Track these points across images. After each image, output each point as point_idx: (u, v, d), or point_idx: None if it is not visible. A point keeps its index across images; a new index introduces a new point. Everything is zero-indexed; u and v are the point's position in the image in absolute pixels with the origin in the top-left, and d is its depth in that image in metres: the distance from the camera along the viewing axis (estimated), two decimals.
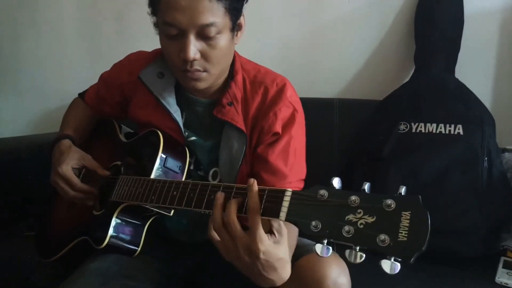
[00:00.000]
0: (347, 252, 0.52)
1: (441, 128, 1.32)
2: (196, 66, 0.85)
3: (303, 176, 0.96)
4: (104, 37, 1.86)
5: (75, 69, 1.90)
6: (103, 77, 1.14)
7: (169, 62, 0.91)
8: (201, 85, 0.89)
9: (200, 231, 0.99)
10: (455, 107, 1.35)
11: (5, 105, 2.00)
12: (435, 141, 1.30)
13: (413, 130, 1.34)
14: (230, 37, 0.88)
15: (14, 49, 1.95)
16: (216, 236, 0.66)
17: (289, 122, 0.93)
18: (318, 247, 0.54)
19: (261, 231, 0.62)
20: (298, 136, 0.95)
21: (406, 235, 0.47)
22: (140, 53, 1.09)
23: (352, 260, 0.51)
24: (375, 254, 0.49)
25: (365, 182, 0.54)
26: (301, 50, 1.70)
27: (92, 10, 1.85)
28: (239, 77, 0.96)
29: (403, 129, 1.36)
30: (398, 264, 0.48)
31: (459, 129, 1.31)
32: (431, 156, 1.29)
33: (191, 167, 0.97)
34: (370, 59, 1.65)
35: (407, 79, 1.57)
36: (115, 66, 1.12)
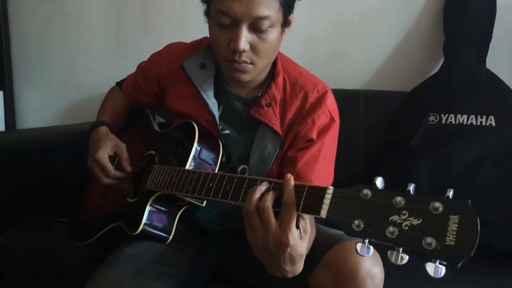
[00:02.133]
0: (389, 253, 0.52)
1: (472, 119, 1.30)
2: (244, 57, 0.86)
3: (329, 183, 0.96)
4: (129, 30, 1.88)
5: (101, 61, 1.93)
6: (141, 67, 1.15)
7: (216, 52, 0.92)
8: (246, 77, 0.90)
9: (229, 222, 1.01)
10: (486, 98, 1.33)
11: (34, 97, 2.05)
12: (466, 133, 1.29)
13: (443, 122, 1.33)
14: (280, 32, 0.88)
15: (42, 43, 1.99)
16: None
17: (324, 130, 0.94)
18: (359, 246, 0.55)
19: (293, 226, 0.63)
20: (330, 144, 0.95)
21: (454, 239, 0.47)
22: (180, 44, 1.09)
23: (394, 261, 0.52)
24: (420, 257, 0.50)
25: (410, 183, 0.54)
26: (326, 40, 1.68)
27: (118, 3, 1.86)
28: (280, 79, 0.97)
29: (433, 121, 1.34)
30: (443, 268, 0.48)
31: (491, 120, 1.29)
32: (462, 148, 1.28)
33: (223, 160, 0.98)
34: (396, 50, 1.63)
35: (435, 70, 1.54)
36: (153, 56, 1.13)
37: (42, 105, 2.05)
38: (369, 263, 0.76)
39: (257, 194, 0.66)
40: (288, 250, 0.64)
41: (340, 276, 0.77)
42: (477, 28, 1.42)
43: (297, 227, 0.65)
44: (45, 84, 2.03)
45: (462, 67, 1.40)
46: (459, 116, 1.32)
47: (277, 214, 0.65)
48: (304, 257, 0.68)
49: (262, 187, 0.67)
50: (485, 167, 1.25)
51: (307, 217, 0.66)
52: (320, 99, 0.95)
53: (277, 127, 0.93)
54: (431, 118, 1.35)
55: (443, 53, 1.49)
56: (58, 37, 1.96)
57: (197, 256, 1.02)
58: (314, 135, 0.93)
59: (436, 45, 1.55)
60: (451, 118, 1.33)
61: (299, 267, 0.68)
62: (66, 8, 1.92)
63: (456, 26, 1.44)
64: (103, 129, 1.05)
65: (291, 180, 0.64)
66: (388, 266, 0.77)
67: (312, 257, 0.76)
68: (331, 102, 0.96)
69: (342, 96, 1.57)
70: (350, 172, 1.43)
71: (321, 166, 0.93)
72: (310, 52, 1.67)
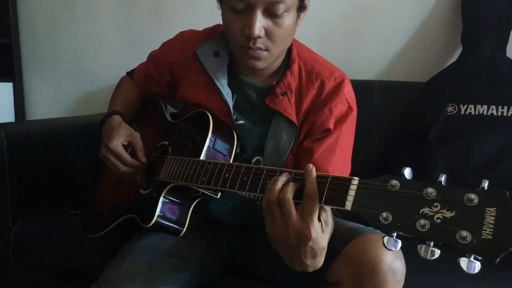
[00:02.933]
0: (420, 247, 0.49)
1: (492, 110, 1.26)
2: (259, 44, 0.83)
3: (347, 174, 0.93)
4: (138, 20, 1.86)
5: (111, 52, 1.92)
6: (152, 56, 1.12)
7: (230, 39, 0.89)
8: (261, 64, 0.87)
9: (243, 215, 0.99)
10: (507, 88, 1.29)
11: (44, 88, 2.06)
12: (486, 124, 1.25)
13: (462, 112, 1.29)
14: (295, 17, 0.85)
15: (51, 34, 1.99)
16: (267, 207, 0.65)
17: (342, 119, 0.91)
18: (386, 240, 0.52)
19: (315, 218, 0.61)
20: (347, 135, 0.93)
21: (491, 232, 0.45)
22: (192, 32, 1.06)
23: (424, 255, 0.49)
24: (454, 251, 0.47)
25: (441, 174, 0.51)
26: (340, 30, 1.65)
27: None
28: (295, 66, 0.94)
29: (451, 111, 1.31)
30: (478, 263, 0.45)
31: None
32: (482, 140, 1.24)
33: (237, 150, 0.95)
34: (411, 39, 1.59)
35: (451, 60, 1.51)
36: (165, 44, 1.10)
37: (51, 96, 2.05)
38: (391, 257, 0.73)
39: (279, 185, 0.64)
40: (310, 243, 0.61)
41: (360, 270, 0.74)
42: (497, 15, 1.37)
43: (319, 219, 0.62)
44: (55, 76, 2.03)
45: (481, 56, 1.36)
46: (479, 106, 1.28)
47: (297, 205, 0.63)
48: (325, 251, 0.66)
49: (283, 177, 0.65)
50: (506, 158, 1.21)
51: (328, 209, 0.64)
52: (337, 87, 0.92)
53: (293, 117, 0.90)
54: (450, 108, 1.32)
55: (461, 42, 1.45)
56: (67, 28, 1.96)
57: (210, 249, 1.00)
58: (331, 125, 0.90)
59: (453, 34, 1.52)
60: (470, 109, 1.29)
61: (320, 261, 0.66)
62: None
63: (476, 14, 1.40)
64: (117, 118, 1.02)
65: (312, 170, 0.61)
66: (408, 260, 0.75)
67: (330, 250, 0.74)
68: (348, 90, 0.93)
69: (355, 87, 1.55)
70: (364, 165, 1.41)
71: (338, 157, 0.91)
72: (323, 41, 1.63)
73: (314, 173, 0.61)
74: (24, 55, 2.04)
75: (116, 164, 0.95)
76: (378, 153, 1.46)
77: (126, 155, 0.95)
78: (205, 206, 0.99)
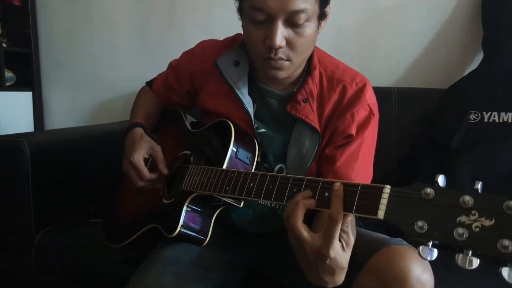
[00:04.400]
0: (457, 256, 0.48)
1: None
2: (280, 54, 0.82)
3: (369, 180, 0.93)
4: (155, 29, 1.88)
5: (128, 61, 1.94)
6: (172, 66, 1.13)
7: (251, 49, 0.89)
8: (282, 74, 0.87)
9: (265, 223, 0.98)
10: None
11: (62, 97, 2.09)
12: (511, 132, 1.23)
13: (485, 120, 1.27)
14: (317, 25, 0.85)
15: (69, 42, 2.03)
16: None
17: (363, 125, 0.90)
18: (422, 249, 0.51)
19: (336, 240, 0.61)
20: (369, 140, 0.92)
21: None
22: (213, 41, 1.07)
23: (462, 264, 0.48)
24: (493, 261, 0.46)
25: (477, 181, 0.50)
26: (357, 35, 1.65)
27: (144, 2, 1.87)
28: (316, 73, 0.93)
29: (474, 119, 1.29)
30: None
31: None
32: (507, 147, 1.22)
33: (259, 159, 0.95)
34: (431, 45, 1.58)
35: (472, 66, 1.49)
36: (186, 54, 1.11)
37: (69, 105, 2.08)
38: (419, 269, 0.71)
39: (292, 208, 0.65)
40: (328, 262, 0.62)
41: (387, 282, 0.72)
42: None
43: (339, 239, 0.62)
44: (73, 85, 2.06)
45: (504, 62, 1.34)
46: (502, 114, 1.26)
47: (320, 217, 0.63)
48: (345, 270, 0.65)
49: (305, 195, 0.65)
50: None
51: (349, 230, 0.64)
52: (359, 93, 0.91)
53: (315, 123, 0.90)
54: (472, 116, 1.29)
55: (482, 47, 1.43)
56: (85, 38, 1.99)
57: (232, 258, 0.99)
58: (353, 131, 0.89)
59: (473, 39, 1.50)
60: (494, 116, 1.27)
61: (340, 279, 0.66)
62: (93, 8, 1.94)
63: (497, 19, 1.38)
64: (138, 130, 1.03)
65: (340, 191, 0.60)
66: (436, 271, 0.73)
67: (353, 262, 0.73)
68: (370, 96, 0.92)
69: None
70: (384, 173, 1.39)
71: (360, 163, 0.90)
72: (340, 47, 1.63)
73: (341, 193, 0.60)
74: (43, 64, 2.08)
75: (135, 178, 0.97)
76: (398, 161, 1.45)
77: (145, 170, 0.96)
78: (226, 216, 0.99)
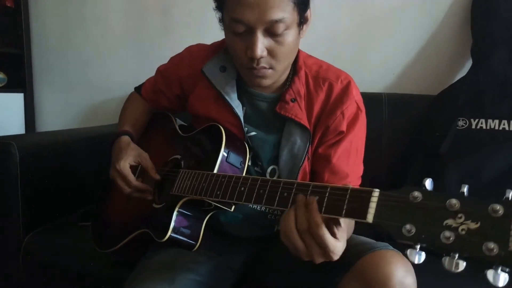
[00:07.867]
0: (444, 259, 0.49)
1: (504, 124, 1.25)
2: (263, 63, 0.84)
3: (361, 173, 0.96)
4: (150, 32, 1.88)
5: (121, 64, 1.93)
6: (160, 70, 1.13)
7: (234, 59, 0.90)
8: (266, 82, 0.89)
9: (254, 227, 0.99)
10: None
11: (53, 99, 2.07)
12: (498, 139, 1.24)
13: (473, 127, 1.28)
14: (297, 32, 0.86)
15: (62, 44, 2.01)
16: (294, 239, 0.65)
17: (353, 121, 0.93)
18: (410, 252, 0.51)
19: (330, 240, 0.63)
20: (359, 135, 0.95)
21: None
22: (201, 46, 1.07)
23: (449, 268, 0.48)
24: (479, 263, 0.46)
25: (463, 185, 0.51)
26: (349, 42, 1.66)
27: (139, 5, 1.87)
28: (302, 73, 0.95)
29: (462, 126, 1.30)
30: (506, 275, 0.45)
31: None
32: (494, 154, 1.23)
33: (249, 163, 0.95)
34: (421, 52, 1.59)
35: (461, 73, 1.50)
36: (174, 59, 1.11)
37: (61, 107, 2.06)
38: (402, 273, 0.72)
39: (304, 213, 0.64)
40: (331, 254, 0.64)
41: (370, 286, 0.73)
42: (508, 29, 1.37)
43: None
44: (65, 87, 2.04)
45: (492, 70, 1.36)
46: (490, 121, 1.27)
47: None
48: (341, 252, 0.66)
49: (303, 201, 0.65)
50: None
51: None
52: (346, 90, 0.93)
53: (305, 122, 0.91)
54: (460, 123, 1.31)
55: (471, 55, 1.45)
56: (78, 39, 1.98)
57: (222, 262, 0.99)
58: (344, 127, 0.92)
59: (463, 47, 1.52)
60: (481, 123, 1.28)
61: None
62: (86, 10, 1.93)
63: (486, 27, 1.40)
64: (125, 138, 1.04)
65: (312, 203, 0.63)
66: (418, 275, 0.74)
67: (341, 263, 0.73)
68: (356, 92, 0.95)
69: (365, 99, 1.56)
70: (373, 178, 1.40)
71: (353, 158, 0.93)
72: (331, 54, 1.62)
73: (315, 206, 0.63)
74: (35, 66, 2.06)
75: (122, 186, 0.97)
76: (388, 166, 1.46)
77: (131, 176, 0.96)
78: (216, 220, 0.99)
